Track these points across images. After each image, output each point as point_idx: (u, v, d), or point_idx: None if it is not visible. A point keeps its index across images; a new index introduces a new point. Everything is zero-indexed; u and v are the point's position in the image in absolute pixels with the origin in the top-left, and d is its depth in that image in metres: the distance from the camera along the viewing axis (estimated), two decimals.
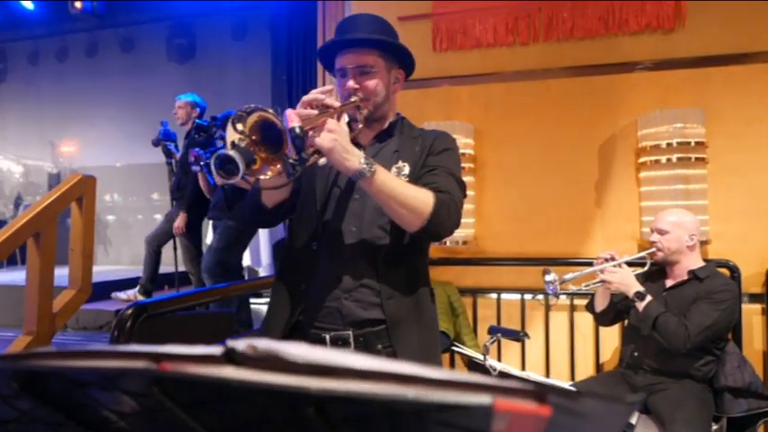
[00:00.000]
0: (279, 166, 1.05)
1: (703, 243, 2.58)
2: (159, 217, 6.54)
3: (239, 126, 1.03)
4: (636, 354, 2.20)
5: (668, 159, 2.68)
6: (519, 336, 1.76)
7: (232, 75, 6.32)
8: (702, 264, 2.23)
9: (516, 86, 3.02)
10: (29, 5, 5.78)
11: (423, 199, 1.20)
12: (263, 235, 5.24)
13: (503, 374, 1.66)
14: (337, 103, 1.23)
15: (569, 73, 2.96)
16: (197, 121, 3.82)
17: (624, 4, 2.88)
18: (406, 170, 1.32)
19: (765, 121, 2.70)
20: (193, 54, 6.68)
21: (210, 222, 3.97)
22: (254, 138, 1.04)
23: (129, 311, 1.24)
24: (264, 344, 0.32)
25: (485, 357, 1.71)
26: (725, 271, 2.51)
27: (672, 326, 2.02)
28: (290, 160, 1.02)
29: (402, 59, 1.41)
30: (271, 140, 1.04)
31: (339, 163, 1.13)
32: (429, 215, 1.19)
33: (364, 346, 1.28)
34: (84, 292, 1.84)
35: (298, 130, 1.01)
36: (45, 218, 1.75)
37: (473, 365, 1.67)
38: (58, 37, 7.01)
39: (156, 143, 3.97)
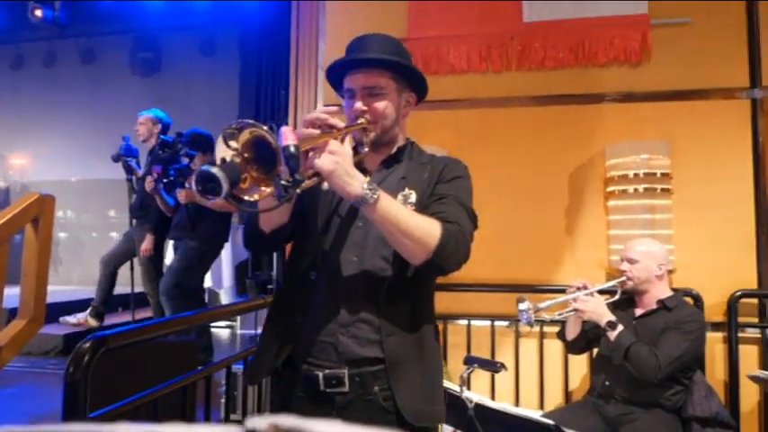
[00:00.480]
0: (270, 187, 0.97)
1: (668, 272, 2.63)
2: (115, 235, 6.29)
3: (233, 143, 0.95)
4: (607, 383, 2.21)
5: (635, 189, 2.75)
6: (496, 367, 1.73)
7: (198, 90, 6.22)
8: (671, 293, 2.27)
9: (488, 113, 3.06)
10: None
11: (429, 229, 1.13)
12: (225, 256, 5.10)
13: (479, 407, 1.62)
14: (342, 124, 1.17)
15: (540, 102, 3.02)
16: (161, 137, 3.71)
17: (593, 38, 2.97)
18: (413, 198, 1.25)
19: (726, 154, 2.81)
20: (158, 68, 6.55)
21: (171, 242, 3.84)
22: (246, 155, 0.96)
23: (87, 345, 1.14)
24: (289, 422, 0.27)
25: (461, 389, 1.67)
26: (689, 300, 2.57)
27: (643, 356, 2.03)
28: (283, 181, 0.94)
29: (414, 82, 1.35)
30: (264, 159, 0.96)
31: (340, 187, 1.07)
32: (435, 247, 1.11)
33: (360, 387, 1.20)
34: (37, 321, 1.70)
35: (292, 149, 0.93)
36: None
37: (449, 397, 1.63)
38: (13, 45, 6.75)
39: (116, 159, 3.83)
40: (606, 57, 2.96)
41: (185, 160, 3.48)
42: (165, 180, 3.48)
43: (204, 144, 3.54)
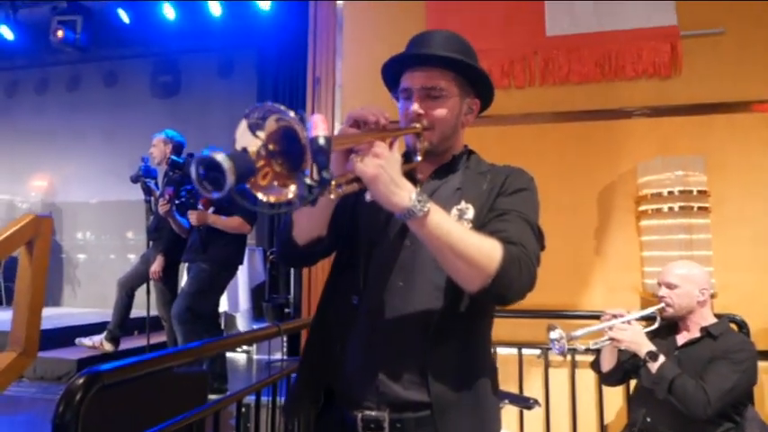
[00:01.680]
0: (294, 186, 0.80)
1: (711, 296, 2.46)
2: (133, 257, 6.27)
3: (259, 132, 0.79)
4: (649, 419, 2.03)
5: (670, 208, 2.59)
6: (529, 403, 1.58)
7: (216, 112, 6.23)
8: (715, 320, 2.10)
9: (512, 130, 2.95)
10: (8, 35, 5.65)
11: (488, 251, 0.96)
12: (241, 279, 5.02)
13: None
14: (392, 126, 1.03)
15: (566, 117, 2.90)
16: (172, 157, 3.67)
17: (620, 51, 2.86)
18: (470, 213, 1.10)
19: (766, 168, 2.64)
20: (178, 90, 6.60)
21: (186, 265, 3.77)
22: (271, 147, 0.80)
23: (80, 381, 1.03)
24: None
25: None
26: (733, 326, 2.38)
27: (690, 389, 1.86)
28: (308, 180, 0.79)
29: (480, 87, 1.21)
30: (292, 154, 0.79)
31: (384, 197, 0.90)
32: (494, 272, 0.94)
33: None
34: (28, 355, 1.60)
35: (321, 141, 0.77)
36: None
37: None
38: (38, 68, 6.88)
39: (135, 179, 3.80)
40: (634, 70, 2.84)
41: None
42: (177, 201, 3.43)
43: None
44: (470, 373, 1.09)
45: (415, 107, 1.12)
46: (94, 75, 6.80)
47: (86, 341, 4.18)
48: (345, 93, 3.20)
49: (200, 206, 3.42)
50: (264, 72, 6.07)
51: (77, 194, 6.81)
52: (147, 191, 3.83)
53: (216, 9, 5.16)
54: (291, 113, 0.78)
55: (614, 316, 2.05)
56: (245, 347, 4.98)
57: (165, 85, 6.62)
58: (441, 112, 1.14)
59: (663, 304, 2.10)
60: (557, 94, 2.91)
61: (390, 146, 0.97)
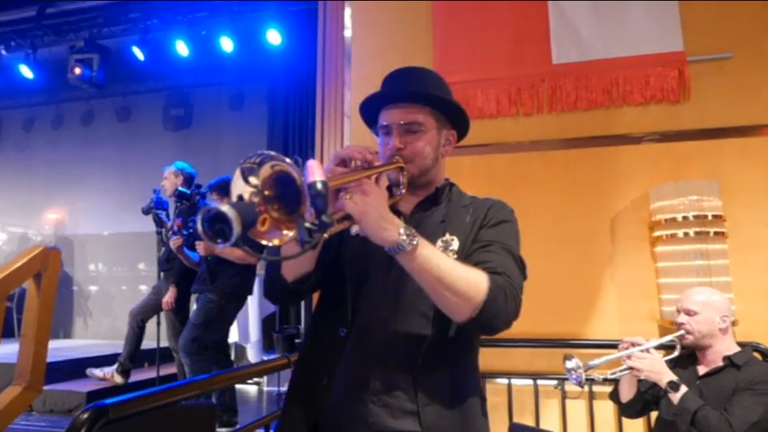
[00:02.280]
0: (293, 231, 0.83)
1: (732, 324, 2.39)
2: (145, 288, 6.28)
3: (252, 179, 0.81)
4: None
5: (685, 233, 2.55)
6: None
7: (227, 144, 6.32)
8: (738, 348, 2.03)
9: (521, 157, 2.95)
10: (27, 74, 5.81)
11: (475, 282, 0.99)
12: (251, 309, 5.00)
13: None
14: (377, 162, 1.06)
15: (575, 144, 2.89)
16: (179, 189, 3.70)
17: (628, 77, 2.86)
18: (455, 245, 1.13)
19: None
20: (189, 123, 6.72)
21: (195, 296, 3.77)
22: (267, 193, 0.82)
23: (86, 416, 1.01)
24: None
25: None
26: (756, 355, 2.30)
27: (714, 422, 1.79)
28: (307, 224, 0.81)
29: (455, 119, 1.26)
30: (288, 198, 0.82)
31: (374, 232, 0.94)
32: (482, 302, 0.98)
33: None
34: (34, 389, 1.58)
35: (319, 186, 0.80)
36: None
37: None
38: (54, 105, 7.05)
39: (146, 211, 3.84)
40: (642, 96, 2.84)
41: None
42: (185, 232, 3.45)
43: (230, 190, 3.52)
44: (461, 401, 1.10)
45: (396, 142, 1.16)
46: (108, 109, 6.96)
47: (97, 372, 4.15)
48: (354, 123, 3.23)
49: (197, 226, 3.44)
50: (274, 104, 6.17)
51: (90, 226, 6.89)
52: (159, 222, 3.86)
53: (228, 45, 5.29)
54: (287, 159, 0.80)
55: (632, 344, 1.99)
56: (255, 379, 4.91)
57: (177, 119, 6.74)
58: (420, 145, 1.18)
59: (682, 331, 2.04)
60: (565, 120, 2.91)
61: (377, 182, 1.00)
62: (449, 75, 3.06)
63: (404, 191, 1.16)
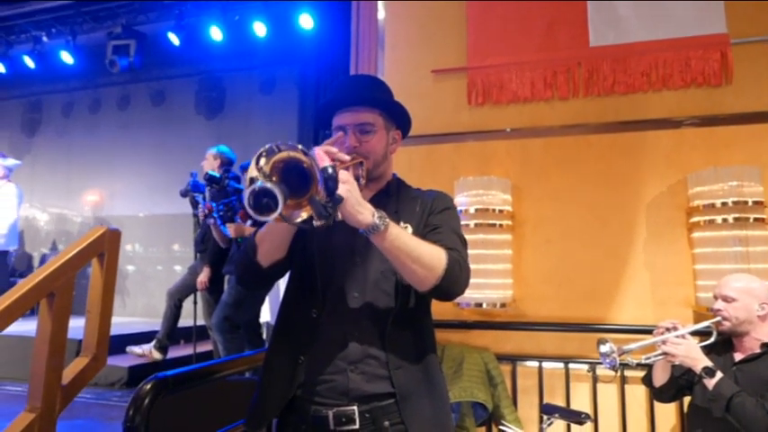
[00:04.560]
0: (308, 210, 0.98)
1: None
2: (179, 268, 6.46)
3: (262, 162, 0.96)
4: None
5: (724, 219, 2.51)
6: (581, 418, 1.55)
7: (258, 128, 6.40)
8: None
9: (555, 142, 2.93)
10: (68, 59, 5.97)
11: (437, 255, 1.17)
12: (282, 287, 5.09)
13: None
14: (347, 157, 1.20)
15: (611, 128, 2.86)
16: (209, 172, 3.79)
17: (667, 60, 2.81)
18: (409, 230, 1.27)
19: None
20: (221, 107, 6.82)
21: (227, 276, 3.87)
22: (274, 179, 0.96)
23: (148, 387, 1.09)
24: None
25: None
26: None
27: (749, 408, 1.79)
28: (322, 203, 0.97)
29: (399, 120, 1.41)
30: (292, 183, 0.97)
31: (352, 216, 1.08)
32: (443, 272, 1.15)
33: (371, 423, 1.20)
34: (99, 361, 1.69)
35: (330, 170, 0.98)
36: (61, 276, 1.61)
37: None
38: (92, 89, 7.23)
39: (184, 194, 3.94)
40: (683, 80, 2.79)
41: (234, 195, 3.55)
42: (214, 215, 3.54)
43: None
44: (423, 361, 1.27)
45: (352, 141, 1.31)
46: (143, 94, 7.10)
47: (137, 349, 4.32)
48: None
49: (237, 219, 3.52)
50: (305, 88, 6.20)
51: (126, 208, 7.09)
52: (195, 205, 3.96)
53: (261, 30, 5.33)
54: (300, 147, 0.96)
55: (668, 329, 1.99)
56: None
57: (209, 103, 6.84)
58: (373, 142, 1.33)
59: (719, 318, 2.03)
60: (601, 104, 2.88)
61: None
62: (482, 58, 3.08)
63: (363, 182, 1.29)
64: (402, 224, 1.28)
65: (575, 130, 2.91)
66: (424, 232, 1.28)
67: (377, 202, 1.31)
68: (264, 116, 6.46)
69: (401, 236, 1.13)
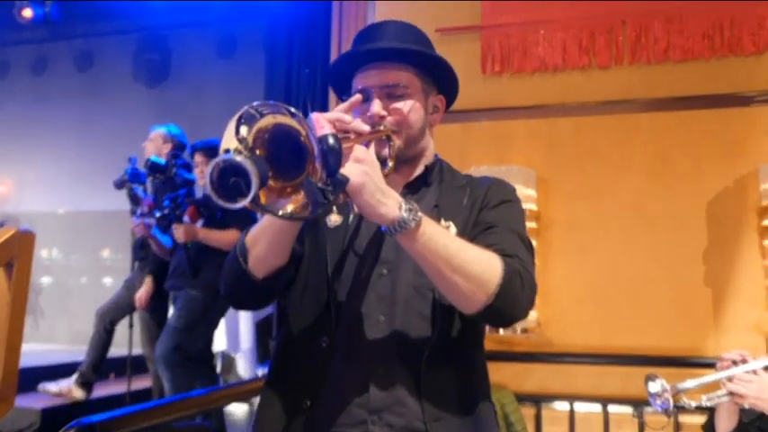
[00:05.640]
0: (299, 196, 0.88)
1: None
2: (110, 281, 6.42)
3: (243, 131, 0.86)
4: None
5: None
6: None
7: (214, 100, 6.37)
8: None
9: (593, 122, 2.96)
10: None
11: (488, 263, 1.06)
12: (243, 311, 5.09)
13: None
14: (366, 128, 1.11)
15: (664, 106, 2.89)
16: (152, 158, 3.75)
17: (736, 20, 2.83)
18: (452, 230, 1.19)
19: None
20: (166, 74, 6.78)
21: (171, 294, 3.85)
22: (258, 153, 0.87)
23: None
24: None
25: None
26: None
27: None
28: (319, 184, 0.87)
29: (443, 82, 1.33)
30: (282, 161, 0.87)
31: (370, 208, 0.99)
32: (497, 287, 1.04)
33: None
34: (6, 401, 1.66)
35: (331, 141, 0.88)
36: None
37: None
38: None
39: (119, 185, 3.90)
40: (755, 45, 2.83)
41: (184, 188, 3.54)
42: (158, 214, 3.50)
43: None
44: (473, 411, 1.19)
45: (377, 108, 1.22)
46: (65, 56, 7.04)
47: (52, 387, 4.27)
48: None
49: (186, 218, 3.50)
50: (274, 50, 6.17)
51: (41, 202, 7.03)
52: (135, 199, 3.92)
53: None
54: (291, 110, 0.86)
55: (734, 363, 2.00)
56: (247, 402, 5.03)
57: (150, 67, 6.80)
58: (406, 109, 1.24)
59: None
60: (652, 75, 2.91)
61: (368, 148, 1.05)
62: (499, 15, 3.09)
63: (391, 164, 1.22)
64: (443, 222, 1.20)
65: (617, 108, 2.93)
66: (473, 233, 1.20)
67: (411, 191, 1.28)
68: (222, 85, 6.43)
69: (439, 236, 1.04)
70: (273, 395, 1.23)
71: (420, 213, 1.02)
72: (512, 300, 1.06)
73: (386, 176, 1.17)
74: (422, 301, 1.17)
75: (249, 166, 0.81)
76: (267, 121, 0.87)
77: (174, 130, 4.05)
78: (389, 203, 1.00)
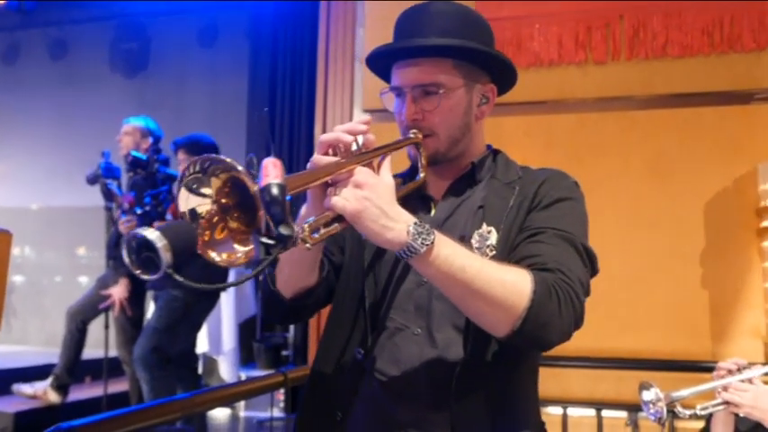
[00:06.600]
0: (247, 246, 0.91)
1: None
2: (85, 280, 6.39)
3: (205, 189, 0.90)
4: None
5: None
6: None
7: (196, 91, 6.35)
8: None
9: (589, 119, 2.97)
10: None
11: (513, 285, 1.00)
12: (225, 311, 5.09)
13: None
14: (373, 138, 1.07)
15: (661, 103, 2.92)
16: (132, 153, 3.75)
17: (736, 15, 2.85)
18: (493, 239, 1.15)
19: None
20: (145, 63, 6.74)
21: (151, 293, 3.84)
22: (224, 202, 0.91)
23: None
24: None
25: None
26: None
27: None
28: (263, 239, 0.86)
29: (494, 71, 1.26)
30: (248, 207, 0.89)
31: (375, 234, 0.96)
32: (523, 311, 0.98)
33: None
34: None
35: (275, 191, 0.84)
36: None
37: None
38: None
39: (92, 180, 3.89)
40: (755, 42, 2.86)
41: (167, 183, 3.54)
42: (139, 210, 3.50)
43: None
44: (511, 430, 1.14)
45: (410, 111, 1.18)
46: (38, 44, 6.98)
47: (27, 389, 4.26)
48: (367, 69, 3.24)
49: (169, 216, 3.50)
50: (258, 41, 6.17)
51: (13, 197, 6.97)
52: (109, 195, 3.91)
53: None
54: (230, 161, 0.88)
55: (730, 371, 2.03)
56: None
57: (129, 57, 6.76)
58: (440, 112, 1.18)
59: None
60: (650, 71, 2.92)
61: (378, 168, 1.03)
62: (494, 8, 3.09)
63: (422, 174, 1.19)
64: (485, 227, 1.15)
65: (615, 105, 2.95)
66: (517, 240, 1.13)
67: (455, 193, 1.24)
68: (204, 76, 6.42)
69: (455, 258, 0.98)
70: (309, 406, 1.25)
71: (433, 236, 0.97)
72: (543, 323, 1.00)
73: (415, 186, 1.19)
74: (457, 313, 1.12)
75: (155, 239, 0.85)
76: (220, 174, 0.90)
77: (152, 124, 4.04)
78: (397, 228, 0.96)
